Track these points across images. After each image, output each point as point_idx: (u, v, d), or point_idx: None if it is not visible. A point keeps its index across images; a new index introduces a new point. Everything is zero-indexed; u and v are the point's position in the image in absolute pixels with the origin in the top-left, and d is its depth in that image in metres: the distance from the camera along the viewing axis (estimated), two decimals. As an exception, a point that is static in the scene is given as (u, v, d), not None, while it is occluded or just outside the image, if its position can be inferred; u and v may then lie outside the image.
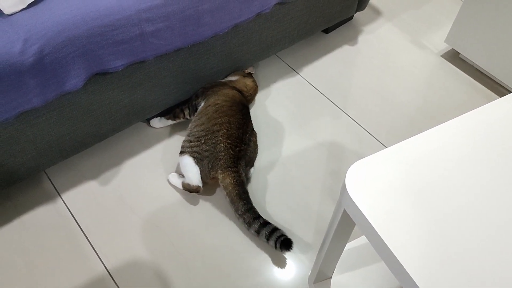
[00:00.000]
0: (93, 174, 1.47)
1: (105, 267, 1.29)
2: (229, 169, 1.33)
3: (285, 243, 1.27)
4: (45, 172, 1.47)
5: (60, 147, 1.33)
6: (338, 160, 1.56)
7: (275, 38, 1.66)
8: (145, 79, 1.37)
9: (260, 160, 1.54)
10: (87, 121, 1.33)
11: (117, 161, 1.51)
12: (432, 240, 0.77)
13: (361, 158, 0.87)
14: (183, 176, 1.42)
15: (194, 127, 1.42)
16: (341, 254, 1.08)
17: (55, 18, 1.09)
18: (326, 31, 1.97)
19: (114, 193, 1.44)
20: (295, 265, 1.32)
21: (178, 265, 1.31)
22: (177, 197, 1.44)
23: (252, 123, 1.48)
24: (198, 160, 1.36)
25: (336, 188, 1.49)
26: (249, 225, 1.30)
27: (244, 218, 1.31)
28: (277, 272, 1.31)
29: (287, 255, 1.34)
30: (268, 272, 1.31)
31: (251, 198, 1.34)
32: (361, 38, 1.98)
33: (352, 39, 1.98)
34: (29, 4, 1.09)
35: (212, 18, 1.33)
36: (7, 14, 1.07)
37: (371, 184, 0.83)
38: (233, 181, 1.32)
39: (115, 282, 1.26)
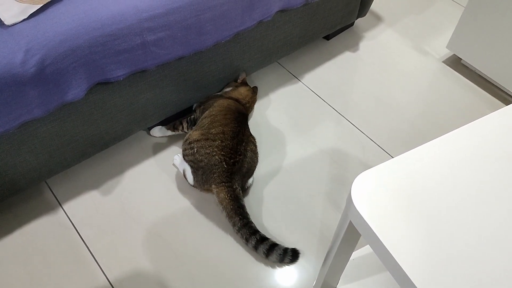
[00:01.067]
0: (95, 184, 1.47)
1: (106, 278, 1.28)
2: (223, 183, 1.32)
3: (294, 254, 1.31)
4: (46, 182, 1.46)
5: (62, 157, 1.32)
6: (341, 167, 1.56)
7: (276, 45, 1.65)
8: (146, 88, 1.36)
9: (262, 168, 1.53)
10: (89, 130, 1.32)
11: (119, 171, 1.50)
12: (438, 252, 0.76)
13: (364, 165, 0.87)
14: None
15: (189, 136, 1.41)
16: (346, 264, 1.07)
17: (56, 29, 1.08)
18: (327, 37, 1.97)
19: (116, 203, 1.43)
20: (299, 275, 1.31)
21: (181, 275, 1.29)
22: (180, 206, 1.43)
23: (249, 131, 1.46)
24: (194, 170, 1.35)
25: (339, 195, 1.48)
26: (246, 240, 1.29)
27: (241, 234, 1.30)
28: (281, 282, 1.30)
29: (293, 264, 1.33)
30: (272, 282, 1.30)
31: (248, 212, 1.32)
32: (362, 44, 1.98)
33: (353, 46, 1.97)
34: (30, 15, 1.08)
35: (213, 27, 1.33)
36: (8, 25, 1.06)
37: (377, 196, 0.82)
38: (227, 196, 1.31)
39: (117, 293, 1.25)
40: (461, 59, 1.91)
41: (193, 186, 1.41)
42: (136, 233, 1.37)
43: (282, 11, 1.53)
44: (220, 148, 1.33)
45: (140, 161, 1.53)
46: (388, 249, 0.76)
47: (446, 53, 1.97)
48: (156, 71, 1.34)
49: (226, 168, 1.31)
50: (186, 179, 1.41)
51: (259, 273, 1.31)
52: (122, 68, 1.22)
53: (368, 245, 1.24)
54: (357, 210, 0.80)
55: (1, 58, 1.03)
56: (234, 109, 1.46)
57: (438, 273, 0.74)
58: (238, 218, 1.29)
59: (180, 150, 1.47)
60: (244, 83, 1.61)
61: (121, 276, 1.28)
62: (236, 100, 1.52)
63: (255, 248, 1.28)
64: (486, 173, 0.87)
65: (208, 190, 1.38)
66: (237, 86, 1.58)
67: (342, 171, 1.55)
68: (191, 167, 1.36)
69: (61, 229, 1.36)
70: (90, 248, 1.33)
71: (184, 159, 1.39)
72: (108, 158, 1.53)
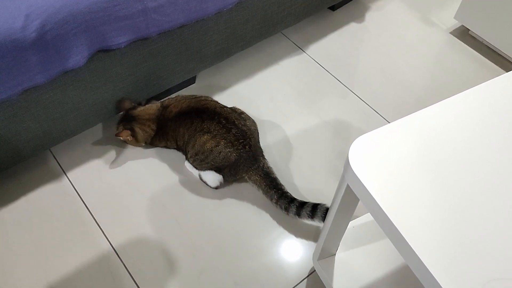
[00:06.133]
0: (99, 153, 1.48)
1: (111, 245, 1.30)
2: (251, 167, 1.34)
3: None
4: (51, 151, 1.47)
5: (65, 125, 1.33)
6: (345, 139, 1.55)
7: (280, 15, 1.63)
8: (148, 56, 1.36)
9: (266, 139, 1.53)
10: (91, 99, 1.33)
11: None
12: (437, 214, 0.76)
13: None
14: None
15: (192, 151, 1.38)
16: (344, 231, 1.08)
17: (56, -6, 1.08)
18: (333, 8, 1.94)
19: (120, 172, 1.44)
20: (300, 243, 1.32)
21: (184, 244, 1.31)
22: (184, 176, 1.44)
23: (219, 108, 1.36)
24: (218, 171, 1.36)
25: (342, 166, 1.48)
26: (286, 210, 1.30)
27: (279, 205, 1.31)
28: (282, 250, 1.31)
29: (294, 233, 1.34)
30: (273, 250, 1.31)
31: (282, 183, 1.33)
32: (368, 15, 1.95)
33: (359, 16, 1.94)
34: (29, -21, 1.07)
35: (215, -6, 1.31)
36: (8, -10, 1.06)
37: (374, 159, 0.82)
38: (258, 177, 1.33)
39: (121, 260, 1.27)
40: (469, 30, 1.88)
41: (216, 187, 1.41)
42: (139, 201, 1.38)
43: (286, -21, 1.51)
44: (230, 145, 1.31)
45: (143, 131, 1.53)
46: (386, 212, 0.76)
47: (453, 24, 1.93)
48: (158, 39, 1.33)
49: (245, 156, 1.32)
50: (206, 183, 1.41)
51: (261, 243, 1.32)
52: (123, 35, 1.22)
53: (367, 214, 1.25)
54: (354, 173, 0.80)
55: (2, 23, 1.02)
56: (182, 112, 1.39)
57: (438, 236, 0.74)
58: (273, 191, 1.31)
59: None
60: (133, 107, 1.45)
61: (125, 243, 1.30)
62: (162, 111, 1.43)
63: (298, 214, 1.29)
64: (484, 137, 0.87)
65: (240, 178, 1.39)
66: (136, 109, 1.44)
67: (345, 143, 1.54)
68: (214, 170, 1.36)
69: (66, 196, 1.38)
70: (94, 216, 1.35)
71: (203, 168, 1.37)
72: (112, 127, 1.53)
